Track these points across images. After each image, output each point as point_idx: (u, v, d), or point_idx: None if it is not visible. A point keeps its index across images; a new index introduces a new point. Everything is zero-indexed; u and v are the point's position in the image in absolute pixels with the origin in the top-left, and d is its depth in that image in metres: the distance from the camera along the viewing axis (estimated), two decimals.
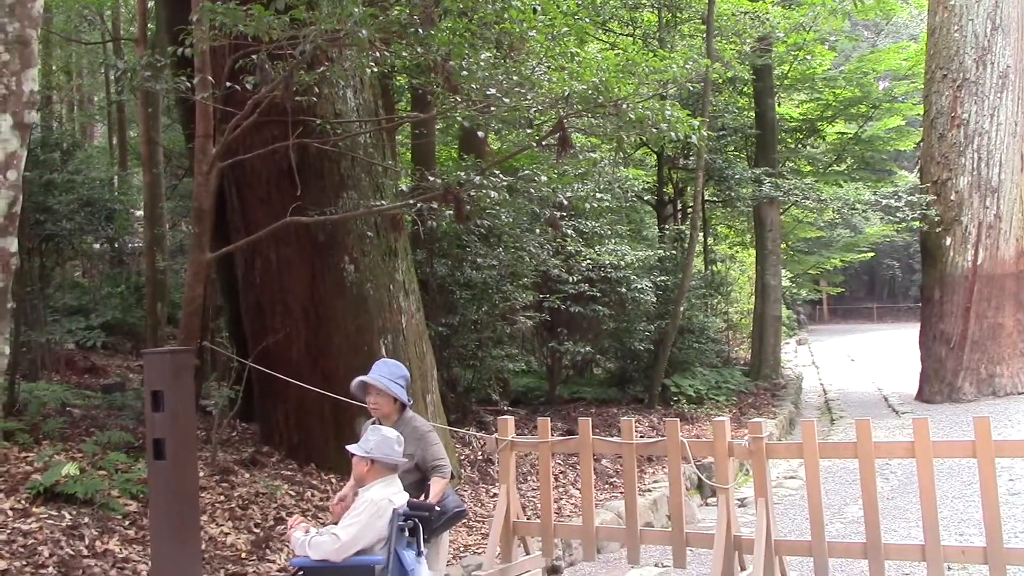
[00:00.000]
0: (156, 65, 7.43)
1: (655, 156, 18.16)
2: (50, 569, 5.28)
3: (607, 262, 12.90)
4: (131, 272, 15.96)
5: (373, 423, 4.93)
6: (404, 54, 7.18)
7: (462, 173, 8.48)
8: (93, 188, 10.20)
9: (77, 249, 11.12)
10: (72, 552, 5.56)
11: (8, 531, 5.60)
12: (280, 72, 6.72)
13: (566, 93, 7.17)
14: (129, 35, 16.39)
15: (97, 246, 12.98)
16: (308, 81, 7.08)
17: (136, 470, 6.81)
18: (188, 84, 7.30)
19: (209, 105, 7.15)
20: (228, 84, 7.11)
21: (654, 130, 7.67)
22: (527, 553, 6.33)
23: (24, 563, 5.27)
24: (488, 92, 7.20)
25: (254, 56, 6.68)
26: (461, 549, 7.14)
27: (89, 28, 18.59)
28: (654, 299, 13.99)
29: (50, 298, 10.60)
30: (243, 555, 6.25)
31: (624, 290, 13.28)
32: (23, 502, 6.05)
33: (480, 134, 9.79)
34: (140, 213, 14.41)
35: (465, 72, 7.00)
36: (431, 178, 8.45)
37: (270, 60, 6.68)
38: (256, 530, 6.71)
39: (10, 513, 5.85)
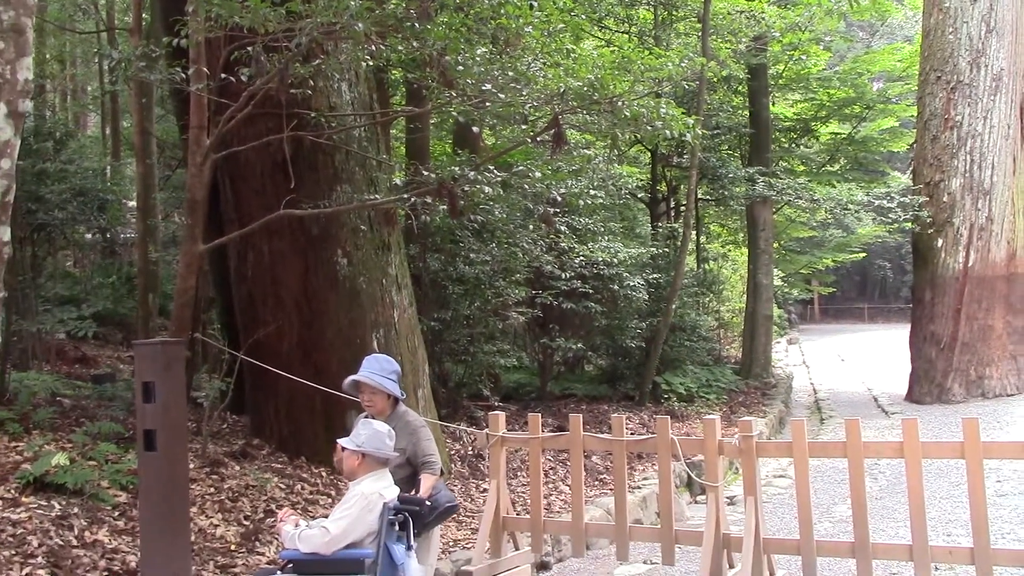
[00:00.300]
0: (151, 56, 7.40)
1: (649, 154, 18.17)
2: (39, 559, 5.27)
3: (600, 259, 12.91)
4: (123, 263, 15.92)
5: (364, 417, 4.93)
6: (400, 48, 7.17)
7: (456, 168, 8.48)
8: (86, 178, 10.19)
9: (69, 239, 11.10)
10: (61, 542, 5.55)
11: None
12: (275, 64, 6.71)
13: (561, 90, 7.17)
14: (123, 25, 16.32)
15: (89, 236, 12.96)
16: (303, 74, 7.06)
17: (126, 461, 6.80)
18: (183, 75, 7.28)
19: (204, 96, 7.12)
20: (223, 76, 7.08)
21: (649, 128, 7.67)
22: (516, 549, 6.35)
23: (13, 553, 5.26)
24: (483, 87, 7.19)
25: (249, 48, 6.66)
26: (450, 544, 7.14)
27: (83, 17, 18.51)
28: (646, 297, 14.01)
29: (41, 288, 10.57)
30: (232, 547, 6.24)
31: (616, 287, 13.30)
32: (12, 492, 6.04)
33: (475, 129, 9.79)
34: (133, 203, 14.36)
35: (461, 67, 7.00)
36: (425, 173, 8.45)
37: (265, 52, 6.66)
38: (246, 522, 6.70)
39: None
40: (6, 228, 4.67)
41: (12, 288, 8.79)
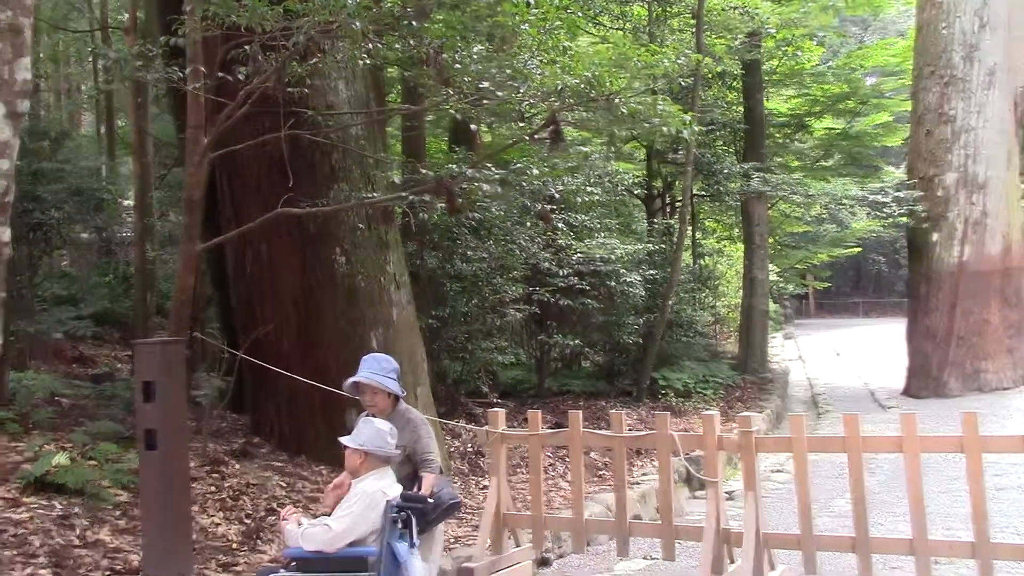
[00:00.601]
0: (148, 55, 7.39)
1: (644, 150, 18.18)
2: (41, 559, 5.28)
3: (597, 256, 12.93)
4: (119, 262, 15.91)
5: (365, 415, 4.94)
6: (397, 46, 7.17)
7: (454, 166, 8.49)
8: (82, 177, 10.18)
9: (65, 238, 11.07)
10: (63, 542, 5.55)
11: None
12: (272, 63, 6.71)
13: (559, 87, 7.17)
14: (117, 23, 16.27)
15: (86, 235, 12.93)
16: (300, 72, 7.07)
17: (127, 460, 6.80)
18: (180, 74, 7.28)
19: (200, 95, 7.12)
20: (220, 74, 7.08)
21: (646, 125, 7.68)
22: (517, 545, 6.36)
23: (15, 553, 5.26)
24: (480, 85, 7.20)
25: (247, 47, 6.66)
26: (452, 540, 7.15)
27: (77, 16, 18.45)
28: (643, 293, 14.04)
29: (38, 287, 10.56)
30: (234, 546, 6.25)
31: (613, 284, 13.33)
32: (13, 492, 6.04)
33: (472, 127, 9.78)
34: (129, 202, 14.35)
35: (458, 65, 7.00)
36: (423, 171, 8.46)
37: (263, 51, 6.66)
38: (247, 521, 6.71)
39: (0, 503, 5.84)
40: (6, 228, 4.68)
41: (9, 288, 8.76)
